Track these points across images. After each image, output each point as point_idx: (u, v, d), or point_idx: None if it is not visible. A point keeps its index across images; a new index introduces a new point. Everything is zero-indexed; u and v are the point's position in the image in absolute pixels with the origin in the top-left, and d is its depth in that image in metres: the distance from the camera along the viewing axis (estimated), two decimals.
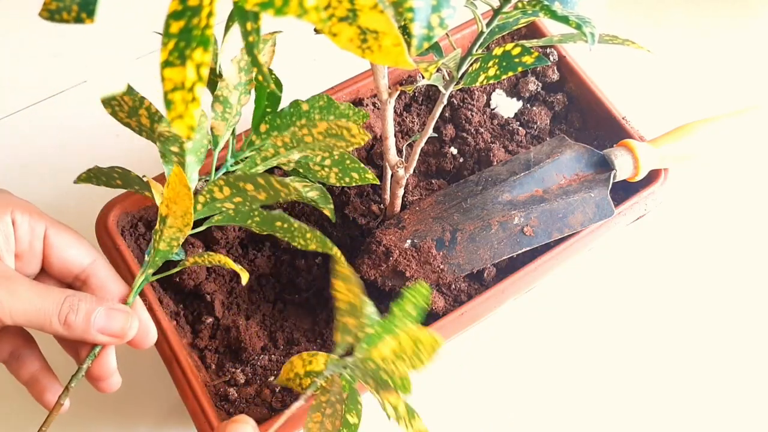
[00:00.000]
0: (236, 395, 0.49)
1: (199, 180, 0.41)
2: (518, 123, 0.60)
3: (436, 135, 0.59)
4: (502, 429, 0.57)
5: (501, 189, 0.52)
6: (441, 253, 0.50)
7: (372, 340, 0.35)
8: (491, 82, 0.38)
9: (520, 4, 0.33)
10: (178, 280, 0.51)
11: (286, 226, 0.41)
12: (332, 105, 0.45)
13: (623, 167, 0.53)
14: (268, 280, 0.54)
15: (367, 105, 0.59)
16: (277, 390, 0.50)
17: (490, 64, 0.38)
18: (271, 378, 0.49)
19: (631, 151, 0.53)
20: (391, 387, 0.33)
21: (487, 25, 0.36)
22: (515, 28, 0.38)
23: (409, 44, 0.24)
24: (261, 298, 0.54)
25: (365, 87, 0.60)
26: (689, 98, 0.72)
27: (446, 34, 0.29)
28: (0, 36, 0.73)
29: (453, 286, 0.51)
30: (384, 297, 0.52)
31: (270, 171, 0.48)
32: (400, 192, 0.51)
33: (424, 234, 0.50)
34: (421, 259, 0.50)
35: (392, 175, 0.49)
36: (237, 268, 0.40)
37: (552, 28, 0.61)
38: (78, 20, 0.25)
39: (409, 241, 0.50)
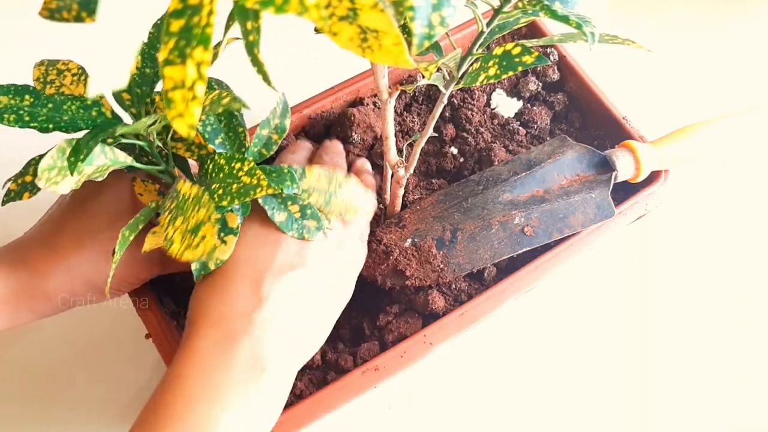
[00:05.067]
0: None
1: None
2: (518, 123, 0.60)
3: (437, 135, 0.59)
4: (502, 428, 0.57)
5: (502, 189, 0.52)
6: (441, 253, 0.50)
7: None
8: (491, 81, 0.38)
9: (520, 4, 0.33)
10: (178, 279, 0.51)
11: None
12: None
13: (624, 168, 0.52)
14: None
15: (367, 104, 0.59)
16: None
17: (491, 63, 0.38)
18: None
19: (632, 152, 0.53)
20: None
21: (488, 24, 0.36)
22: (515, 27, 0.38)
23: (409, 43, 0.24)
24: None
25: (365, 87, 0.60)
26: (689, 98, 0.72)
27: (446, 33, 0.29)
28: (0, 36, 0.73)
29: (453, 285, 0.51)
30: (384, 296, 0.52)
31: None
32: (401, 192, 0.51)
33: (425, 233, 0.50)
34: (421, 258, 0.50)
35: (392, 175, 0.49)
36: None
37: (552, 27, 0.61)
38: (78, 19, 0.25)
39: (409, 240, 0.50)
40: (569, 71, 0.61)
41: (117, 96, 0.40)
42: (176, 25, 0.20)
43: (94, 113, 0.39)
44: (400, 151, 0.48)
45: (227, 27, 0.38)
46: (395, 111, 0.60)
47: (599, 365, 0.60)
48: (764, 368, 0.60)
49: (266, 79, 0.25)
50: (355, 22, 0.23)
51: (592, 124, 0.60)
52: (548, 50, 0.61)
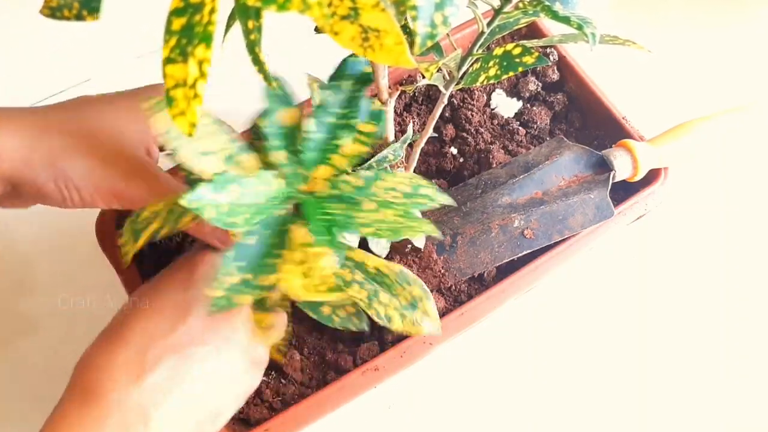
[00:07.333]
0: None
1: None
2: (518, 123, 0.60)
3: (437, 135, 0.59)
4: (502, 428, 0.57)
5: (500, 192, 0.52)
6: (442, 258, 0.50)
7: None
8: (491, 82, 0.38)
9: (520, 5, 0.33)
10: None
11: None
12: None
13: (622, 168, 0.53)
14: None
15: None
16: (278, 389, 0.50)
17: (491, 64, 0.38)
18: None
19: (629, 151, 0.53)
20: None
21: (488, 25, 0.36)
22: (516, 28, 0.38)
23: (411, 43, 0.24)
24: None
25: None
26: (689, 98, 0.72)
27: (447, 33, 0.29)
28: (1, 35, 0.73)
29: (453, 286, 0.51)
30: None
31: None
32: None
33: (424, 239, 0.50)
34: (422, 264, 0.50)
35: None
36: None
37: (552, 28, 0.61)
38: (79, 17, 0.25)
39: (409, 246, 0.50)
40: (569, 71, 0.61)
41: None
42: (178, 23, 0.20)
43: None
44: None
45: (228, 26, 0.38)
46: (395, 111, 0.60)
47: (599, 365, 0.60)
48: (764, 368, 0.60)
49: (266, 78, 0.25)
50: (357, 22, 0.23)
51: (591, 124, 0.60)
52: (548, 50, 0.61)
